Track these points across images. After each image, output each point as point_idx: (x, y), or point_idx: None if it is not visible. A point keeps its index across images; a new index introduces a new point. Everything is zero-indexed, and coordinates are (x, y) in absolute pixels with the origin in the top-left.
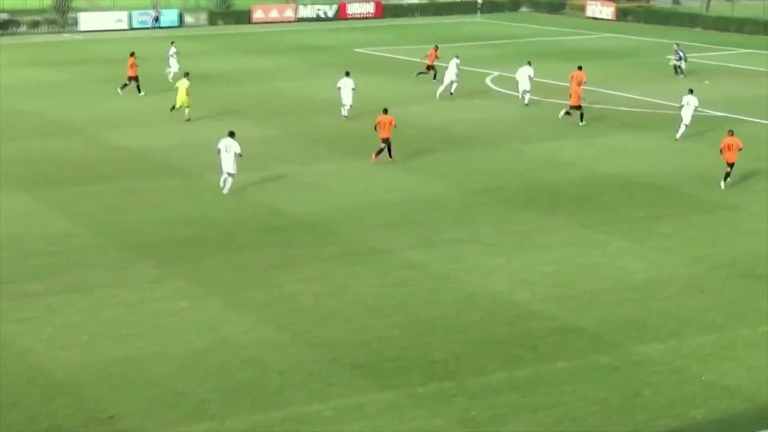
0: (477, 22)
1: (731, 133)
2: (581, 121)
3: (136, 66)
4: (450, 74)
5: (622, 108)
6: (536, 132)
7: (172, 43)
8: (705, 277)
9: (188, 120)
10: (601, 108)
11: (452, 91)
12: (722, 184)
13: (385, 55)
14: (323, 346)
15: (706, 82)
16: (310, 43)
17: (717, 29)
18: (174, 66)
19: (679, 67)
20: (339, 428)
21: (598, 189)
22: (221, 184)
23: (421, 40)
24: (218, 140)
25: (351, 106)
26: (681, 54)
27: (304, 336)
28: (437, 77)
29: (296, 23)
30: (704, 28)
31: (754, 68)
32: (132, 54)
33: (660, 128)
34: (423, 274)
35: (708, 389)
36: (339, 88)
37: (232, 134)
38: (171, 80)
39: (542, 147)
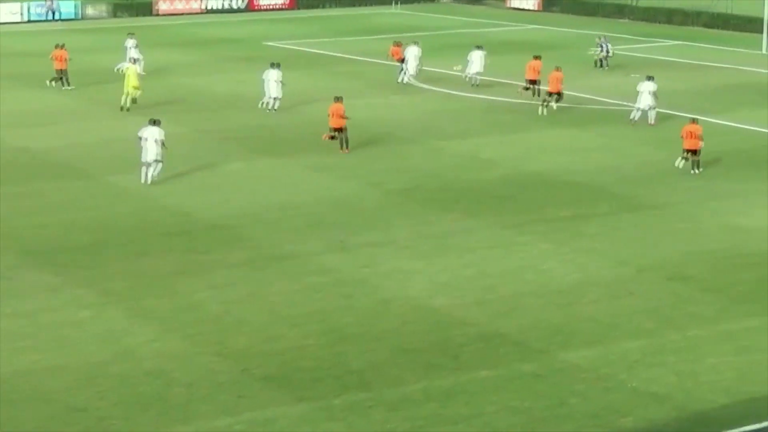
0: (394, 13)
1: (694, 121)
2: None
3: (68, 60)
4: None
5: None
6: (457, 128)
7: (131, 35)
8: (632, 280)
9: (134, 102)
10: (523, 103)
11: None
12: (692, 171)
13: (298, 48)
14: (232, 356)
15: (633, 75)
16: (219, 36)
17: (645, 20)
18: (137, 56)
19: (604, 59)
20: None
21: (522, 188)
22: (142, 175)
23: (336, 33)
24: (139, 129)
25: (277, 98)
26: (605, 46)
27: (211, 346)
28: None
29: (204, 15)
30: (632, 19)
31: (684, 60)
32: (60, 46)
33: (586, 124)
34: (337, 280)
35: (636, 397)
36: (263, 80)
37: (155, 122)
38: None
39: (463, 144)
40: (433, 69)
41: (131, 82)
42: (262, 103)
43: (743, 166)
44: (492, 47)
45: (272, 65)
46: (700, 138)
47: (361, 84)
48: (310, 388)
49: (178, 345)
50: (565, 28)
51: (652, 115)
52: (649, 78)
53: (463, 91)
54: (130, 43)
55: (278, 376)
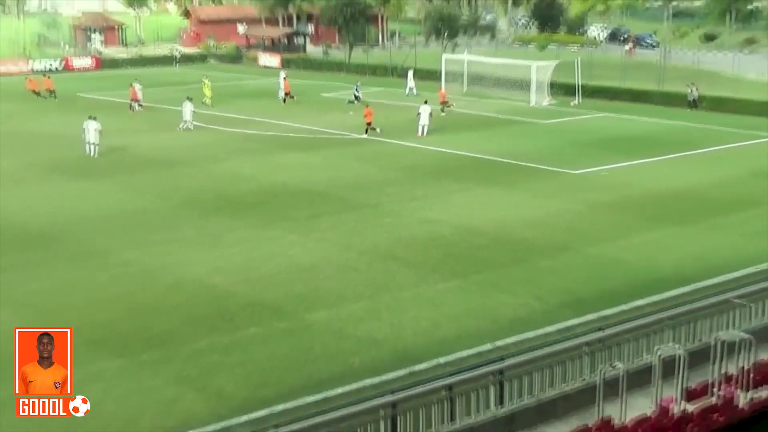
0: (176, 71)
1: (367, 105)
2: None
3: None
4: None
5: (289, 134)
6: (223, 155)
7: None
8: (355, 260)
9: None
10: (272, 134)
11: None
12: (365, 135)
13: (103, 98)
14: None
15: (350, 113)
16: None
17: (357, 73)
18: None
19: (356, 99)
20: (82, 390)
21: (272, 196)
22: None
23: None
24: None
25: (97, 144)
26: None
27: (47, 322)
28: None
29: (30, 74)
30: (347, 72)
31: (387, 102)
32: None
33: (315, 148)
34: (140, 268)
35: (361, 343)
36: (84, 129)
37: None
38: None
39: (227, 165)
40: (213, 113)
41: None
42: (87, 148)
43: (426, 177)
44: (250, 94)
45: (90, 117)
46: (371, 114)
47: (156, 124)
48: (124, 348)
49: (20, 322)
50: (299, 80)
51: (426, 129)
52: (426, 102)
53: (226, 127)
54: None
55: (100, 340)
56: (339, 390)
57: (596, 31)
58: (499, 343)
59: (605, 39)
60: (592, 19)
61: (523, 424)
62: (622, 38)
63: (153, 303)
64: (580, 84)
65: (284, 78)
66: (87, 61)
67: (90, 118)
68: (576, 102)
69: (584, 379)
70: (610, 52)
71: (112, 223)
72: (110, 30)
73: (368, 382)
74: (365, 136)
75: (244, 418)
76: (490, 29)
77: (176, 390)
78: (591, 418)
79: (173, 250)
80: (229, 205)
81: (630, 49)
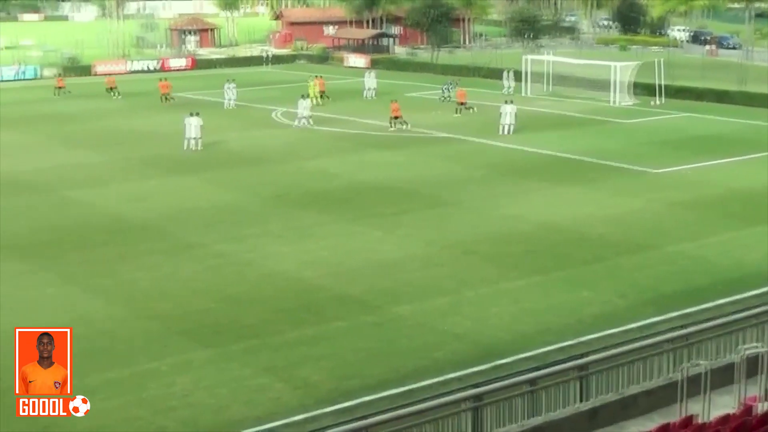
0: (266, 71)
1: (394, 101)
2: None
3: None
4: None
5: (373, 132)
6: (311, 152)
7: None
8: (438, 255)
9: None
10: (357, 133)
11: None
12: (391, 128)
13: (198, 97)
14: (158, 318)
15: (438, 112)
16: (140, 89)
17: (443, 73)
18: None
19: (446, 98)
20: (173, 379)
21: (358, 193)
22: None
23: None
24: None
25: (198, 138)
26: (446, 90)
27: (143, 311)
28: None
29: (128, 74)
30: (434, 73)
31: (472, 101)
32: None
33: (400, 146)
34: (231, 261)
35: (444, 337)
36: (186, 125)
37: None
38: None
39: (316, 163)
40: (294, 110)
41: None
42: (186, 143)
43: (508, 175)
44: (336, 93)
45: (192, 114)
46: (399, 109)
47: (247, 122)
48: (215, 338)
49: (119, 311)
50: (385, 80)
51: (512, 128)
52: (510, 102)
53: (314, 125)
54: None
55: (192, 330)
56: (423, 383)
57: (678, 32)
58: (582, 339)
59: (687, 40)
60: (673, 20)
61: (605, 420)
62: (703, 39)
63: (243, 295)
64: (662, 84)
65: (317, 77)
66: (182, 62)
67: (192, 114)
68: (658, 102)
69: (667, 377)
70: (691, 53)
71: (204, 216)
72: (204, 32)
73: (452, 375)
74: (392, 129)
75: (330, 408)
76: (572, 31)
77: (264, 380)
78: (673, 416)
79: (263, 243)
80: (317, 201)
81: (711, 49)
